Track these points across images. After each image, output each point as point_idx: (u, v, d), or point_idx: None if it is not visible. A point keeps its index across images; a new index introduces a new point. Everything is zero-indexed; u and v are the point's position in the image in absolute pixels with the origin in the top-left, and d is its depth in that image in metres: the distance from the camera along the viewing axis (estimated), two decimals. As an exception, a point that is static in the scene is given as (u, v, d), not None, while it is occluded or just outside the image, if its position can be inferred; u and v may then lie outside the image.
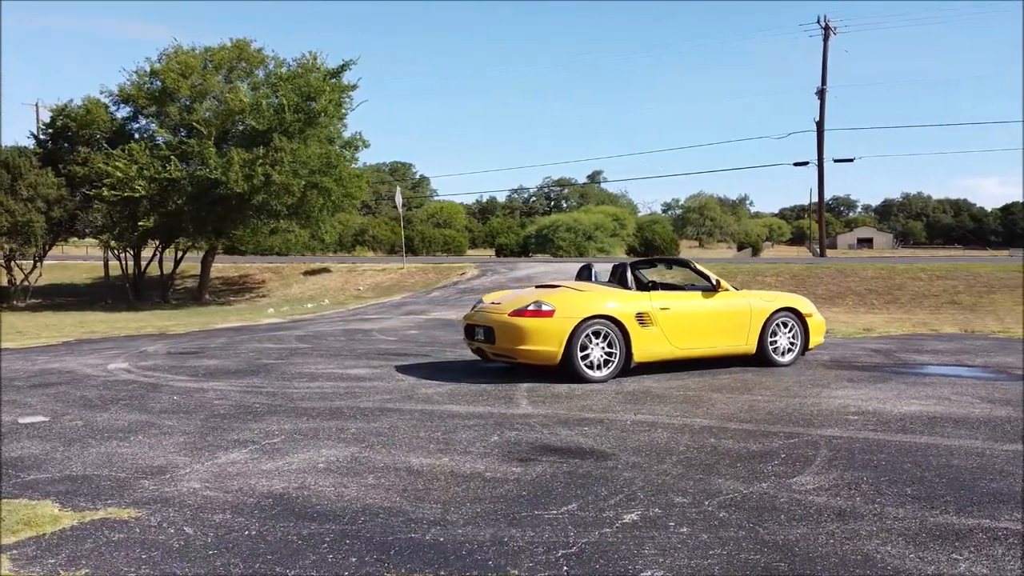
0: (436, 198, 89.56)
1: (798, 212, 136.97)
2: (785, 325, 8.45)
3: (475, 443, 5.20)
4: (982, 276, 22.35)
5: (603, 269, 8.93)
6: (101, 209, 24.29)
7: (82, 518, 3.83)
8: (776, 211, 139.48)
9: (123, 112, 25.80)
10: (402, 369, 8.64)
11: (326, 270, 31.45)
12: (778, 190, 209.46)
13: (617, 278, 8.10)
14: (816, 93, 35.03)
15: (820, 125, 34.85)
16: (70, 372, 8.74)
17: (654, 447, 5.02)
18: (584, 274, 8.71)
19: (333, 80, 25.64)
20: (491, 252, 69.15)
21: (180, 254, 27.34)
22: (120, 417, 6.23)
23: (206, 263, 27.54)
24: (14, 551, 3.41)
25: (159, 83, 24.13)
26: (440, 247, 60.66)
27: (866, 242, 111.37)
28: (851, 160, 36.03)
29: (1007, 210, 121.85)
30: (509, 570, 3.12)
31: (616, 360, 7.50)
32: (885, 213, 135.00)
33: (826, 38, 35.14)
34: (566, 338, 7.27)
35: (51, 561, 3.30)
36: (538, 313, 7.34)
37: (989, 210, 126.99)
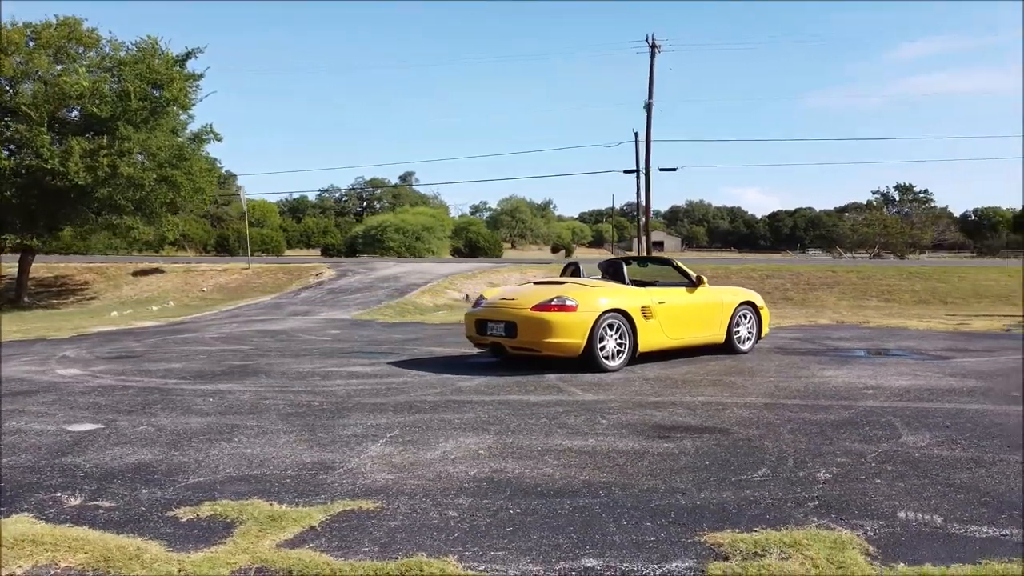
0: (238, 197, 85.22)
1: (596, 216, 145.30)
2: (745, 317, 9.49)
3: (593, 425, 5.57)
4: (803, 275, 25.42)
5: (583, 268, 9.51)
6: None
7: (327, 511, 3.81)
8: (576, 215, 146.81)
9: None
10: (402, 365, 8.70)
11: (158, 270, 29.39)
12: (579, 196, 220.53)
13: (612, 275, 8.71)
14: (643, 106, 37.68)
15: (647, 136, 37.56)
16: (30, 380, 7.93)
17: (754, 422, 5.67)
18: (571, 271, 9.24)
19: (177, 68, 24.08)
20: (308, 252, 67.25)
21: (-8, 252, 24.44)
22: (183, 420, 5.91)
23: (25, 262, 24.83)
24: (287, 548, 3.40)
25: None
26: (257, 247, 58.11)
27: (658, 245, 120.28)
28: (674, 169, 39.10)
29: (774, 216, 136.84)
30: (796, 515, 3.61)
31: (627, 350, 8.11)
32: (672, 219, 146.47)
33: (652, 56, 37.92)
34: (588, 330, 7.77)
35: (366, 548, 3.34)
36: (563, 307, 7.77)
37: (759, 217, 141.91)
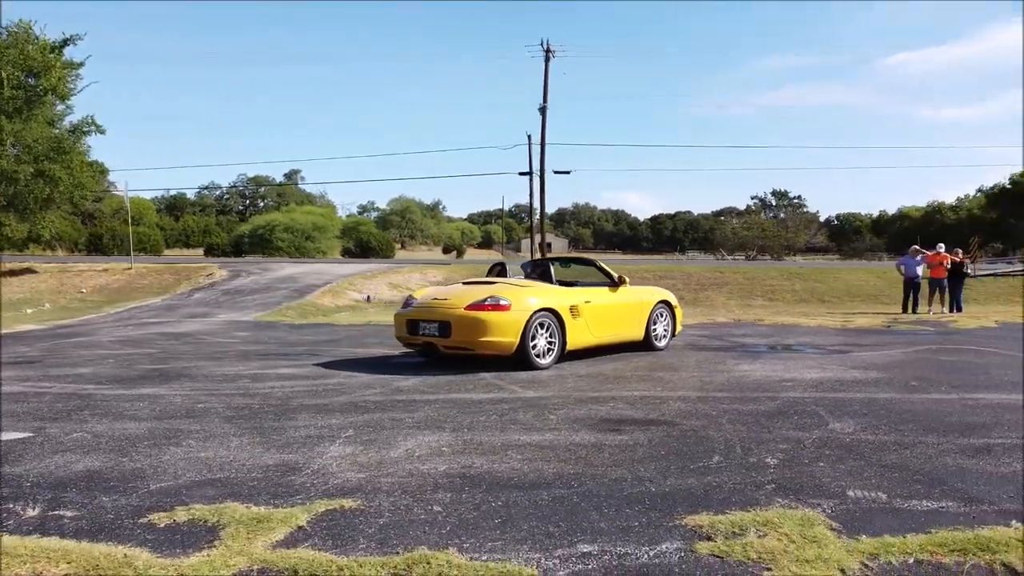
0: (117, 192, 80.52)
1: (485, 217, 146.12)
2: (662, 315, 9.92)
3: (544, 421, 5.73)
4: (694, 276, 26.58)
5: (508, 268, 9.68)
6: None
7: (310, 511, 3.79)
8: (465, 216, 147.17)
9: None
10: (329, 366, 8.60)
11: (30, 270, 27.50)
12: (467, 197, 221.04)
13: (539, 275, 8.92)
14: (539, 109, 38.29)
15: (542, 139, 38.20)
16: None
17: (693, 414, 5.98)
18: (496, 271, 9.39)
19: (54, 55, 22.70)
20: (189, 252, 64.36)
21: None
22: (120, 426, 5.66)
23: None
24: (282, 548, 3.40)
25: None
26: (134, 246, 55.22)
27: (547, 246, 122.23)
28: (568, 172, 39.91)
29: (655, 219, 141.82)
30: (758, 497, 3.89)
31: (556, 348, 8.34)
32: (559, 220, 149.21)
33: (547, 60, 38.60)
34: (521, 329, 7.94)
35: (363, 545, 3.37)
36: (497, 307, 7.91)
37: (642, 220, 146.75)
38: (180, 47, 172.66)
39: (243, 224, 61.19)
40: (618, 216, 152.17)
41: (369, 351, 10.22)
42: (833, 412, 6.01)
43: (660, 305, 9.90)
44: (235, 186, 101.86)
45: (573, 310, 8.51)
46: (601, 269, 9.74)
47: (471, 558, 3.23)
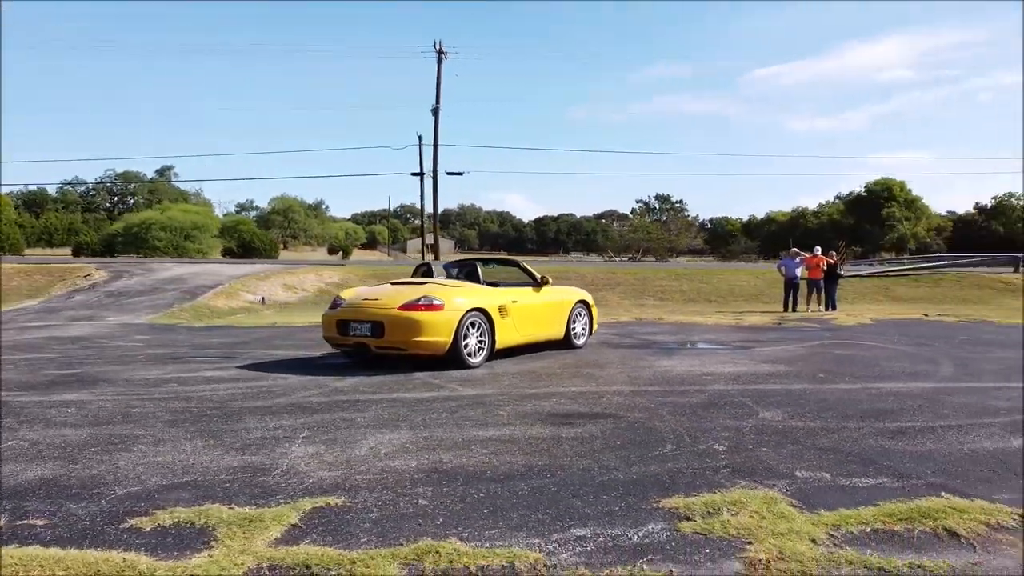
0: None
1: (368, 218, 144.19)
2: (580, 314, 10.28)
3: (495, 417, 5.89)
4: (588, 276, 27.32)
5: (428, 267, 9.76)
6: None
7: (298, 509, 3.81)
8: (348, 216, 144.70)
9: None
10: (253, 368, 8.44)
11: None
12: (351, 197, 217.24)
13: (466, 275, 9.08)
14: (431, 110, 38.31)
15: (435, 140, 38.23)
16: None
17: (633, 407, 6.30)
18: (422, 272, 9.47)
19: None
20: (53, 251, 60.29)
21: None
22: (55, 433, 5.40)
23: None
24: (284, 545, 3.44)
25: None
26: (-9, 245, 51.38)
27: (433, 247, 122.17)
28: (461, 174, 40.13)
29: (540, 221, 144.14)
30: (719, 480, 4.21)
31: (486, 347, 8.51)
32: (445, 222, 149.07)
33: (440, 61, 38.65)
34: (454, 329, 8.06)
35: (364, 539, 3.44)
36: (430, 307, 8.00)
37: (526, 222, 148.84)
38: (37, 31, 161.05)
39: (115, 222, 57.86)
40: (503, 218, 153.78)
41: (286, 353, 10.06)
42: (759, 402, 6.48)
43: (579, 305, 10.25)
44: (102, 182, 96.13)
45: (502, 310, 8.72)
46: (525, 270, 9.99)
47: (475, 546, 3.36)
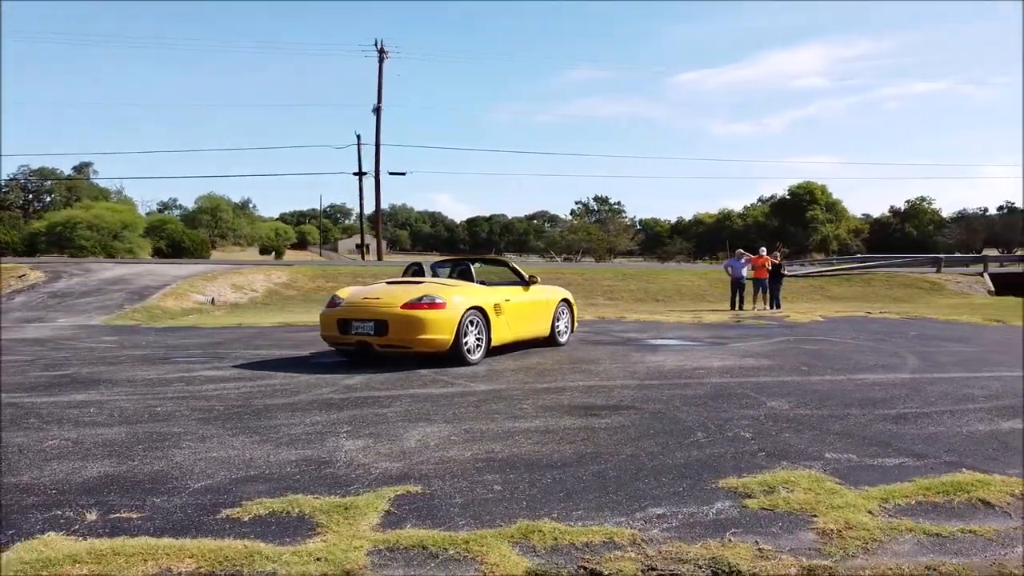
0: None
1: (298, 217, 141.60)
2: (563, 313, 10.59)
3: (521, 410, 6.12)
4: (537, 275, 27.60)
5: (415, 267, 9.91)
6: None
7: (383, 497, 3.96)
8: (276, 215, 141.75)
9: None
10: (252, 367, 8.44)
11: None
12: (279, 196, 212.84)
13: (459, 274, 9.27)
14: (372, 110, 38.13)
15: (377, 139, 38.10)
16: None
17: (648, 399, 6.62)
18: (412, 271, 9.63)
19: None
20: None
21: None
22: (94, 432, 5.39)
23: None
24: (391, 529, 3.62)
25: None
26: None
27: (366, 247, 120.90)
28: (404, 174, 40.04)
29: (472, 222, 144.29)
30: (760, 463, 4.56)
31: (484, 345, 8.73)
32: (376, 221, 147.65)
33: (381, 60, 38.50)
34: (456, 326, 8.25)
35: (462, 522, 3.64)
36: (433, 305, 8.16)
37: (458, 222, 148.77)
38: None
39: (36, 221, 55.42)
40: (435, 218, 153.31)
41: (272, 352, 10.04)
42: (761, 393, 6.89)
43: (562, 303, 10.55)
44: (15, 178, 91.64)
45: (496, 308, 8.94)
46: (513, 270, 10.23)
47: (569, 525, 3.60)
